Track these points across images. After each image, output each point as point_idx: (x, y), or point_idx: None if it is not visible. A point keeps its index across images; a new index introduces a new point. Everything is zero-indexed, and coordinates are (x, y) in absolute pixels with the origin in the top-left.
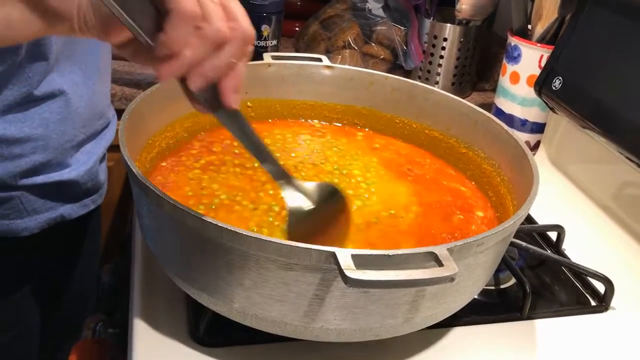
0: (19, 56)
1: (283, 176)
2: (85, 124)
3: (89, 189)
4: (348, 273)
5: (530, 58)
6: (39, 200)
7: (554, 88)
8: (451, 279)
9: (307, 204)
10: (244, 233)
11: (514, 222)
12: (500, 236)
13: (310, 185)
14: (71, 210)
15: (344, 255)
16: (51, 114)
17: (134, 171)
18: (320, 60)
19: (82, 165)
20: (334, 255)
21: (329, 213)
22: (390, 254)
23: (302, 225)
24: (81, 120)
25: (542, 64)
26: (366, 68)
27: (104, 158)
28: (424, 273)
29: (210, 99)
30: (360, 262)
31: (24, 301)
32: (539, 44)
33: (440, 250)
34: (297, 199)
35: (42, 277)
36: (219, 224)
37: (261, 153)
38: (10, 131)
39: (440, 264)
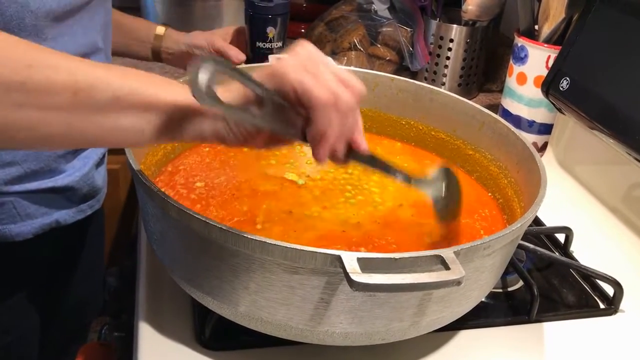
0: None
1: (411, 179)
2: None
3: (85, 194)
4: (354, 277)
5: (537, 59)
6: (33, 205)
7: (561, 89)
8: (458, 282)
9: (439, 190)
10: (249, 236)
11: (521, 225)
12: (507, 239)
13: (433, 176)
14: (67, 215)
15: (350, 259)
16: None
17: (139, 175)
18: None
19: (77, 171)
20: (339, 258)
21: (452, 189)
22: (397, 257)
23: (445, 208)
24: None
25: (549, 65)
26: (372, 69)
27: (102, 162)
28: (430, 276)
29: (350, 154)
30: (366, 265)
31: (22, 305)
32: (546, 45)
33: (447, 254)
34: (430, 189)
35: (40, 282)
36: (224, 228)
37: (393, 172)
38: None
39: (447, 267)
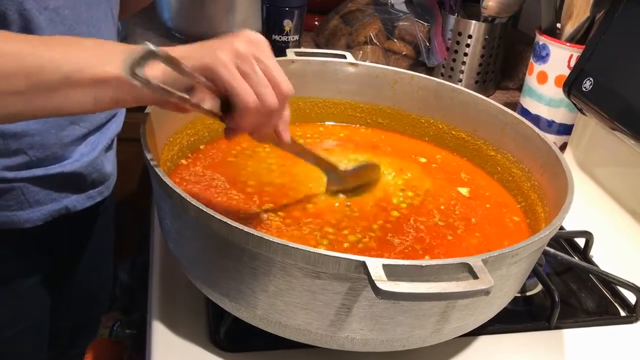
0: None
1: (321, 166)
2: (86, 118)
3: (94, 180)
4: (379, 284)
5: (559, 58)
6: (42, 191)
7: (584, 89)
8: (486, 292)
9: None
10: (271, 239)
11: (549, 232)
12: (535, 247)
13: (349, 168)
14: (76, 202)
15: (375, 265)
16: None
17: (158, 173)
18: (344, 57)
19: (85, 156)
20: (364, 264)
21: (359, 175)
22: (423, 265)
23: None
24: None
25: (572, 64)
26: (388, 64)
27: (110, 148)
28: (458, 286)
29: (268, 138)
30: (392, 272)
31: (30, 295)
32: (568, 44)
33: (475, 262)
34: (334, 176)
35: (48, 272)
36: (245, 229)
37: (309, 159)
38: (7, 126)
39: (474, 276)
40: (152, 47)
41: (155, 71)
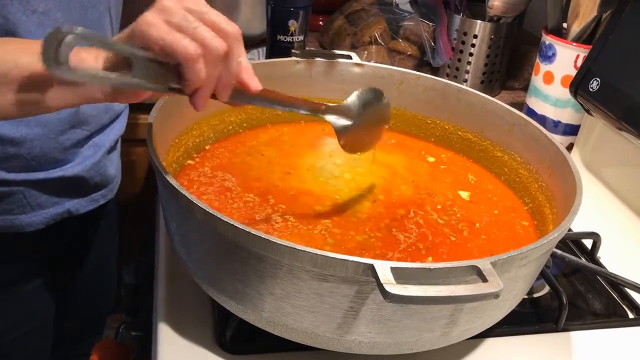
0: None
1: (319, 109)
2: (89, 120)
3: (97, 183)
4: (388, 288)
5: (566, 58)
6: (43, 195)
7: (591, 89)
8: (496, 295)
9: (347, 121)
10: (278, 242)
11: (558, 235)
12: (544, 249)
13: (349, 100)
14: (79, 205)
15: (383, 268)
16: (50, 113)
17: (164, 175)
18: (350, 57)
19: (87, 159)
20: (372, 267)
21: (370, 113)
22: (431, 268)
23: (350, 137)
24: (83, 117)
25: (578, 64)
26: (392, 64)
27: (113, 149)
28: (467, 289)
29: (239, 95)
30: (399, 275)
31: (33, 298)
32: (575, 43)
33: (484, 264)
34: (337, 118)
35: (51, 275)
36: (252, 232)
37: (295, 106)
38: (5, 131)
39: (483, 279)
40: (65, 26)
41: (91, 62)
